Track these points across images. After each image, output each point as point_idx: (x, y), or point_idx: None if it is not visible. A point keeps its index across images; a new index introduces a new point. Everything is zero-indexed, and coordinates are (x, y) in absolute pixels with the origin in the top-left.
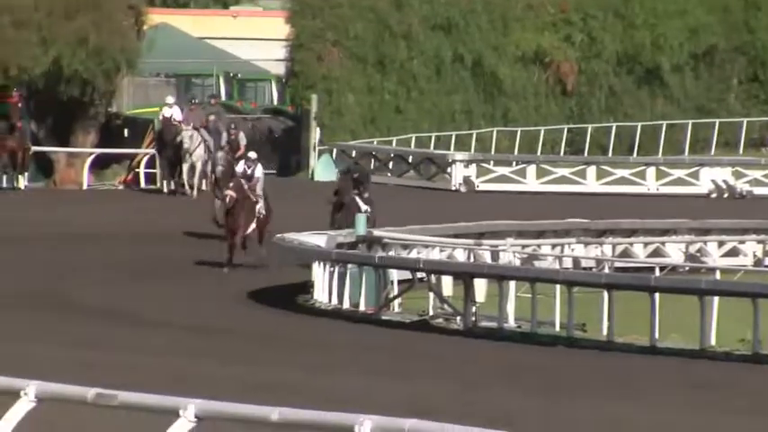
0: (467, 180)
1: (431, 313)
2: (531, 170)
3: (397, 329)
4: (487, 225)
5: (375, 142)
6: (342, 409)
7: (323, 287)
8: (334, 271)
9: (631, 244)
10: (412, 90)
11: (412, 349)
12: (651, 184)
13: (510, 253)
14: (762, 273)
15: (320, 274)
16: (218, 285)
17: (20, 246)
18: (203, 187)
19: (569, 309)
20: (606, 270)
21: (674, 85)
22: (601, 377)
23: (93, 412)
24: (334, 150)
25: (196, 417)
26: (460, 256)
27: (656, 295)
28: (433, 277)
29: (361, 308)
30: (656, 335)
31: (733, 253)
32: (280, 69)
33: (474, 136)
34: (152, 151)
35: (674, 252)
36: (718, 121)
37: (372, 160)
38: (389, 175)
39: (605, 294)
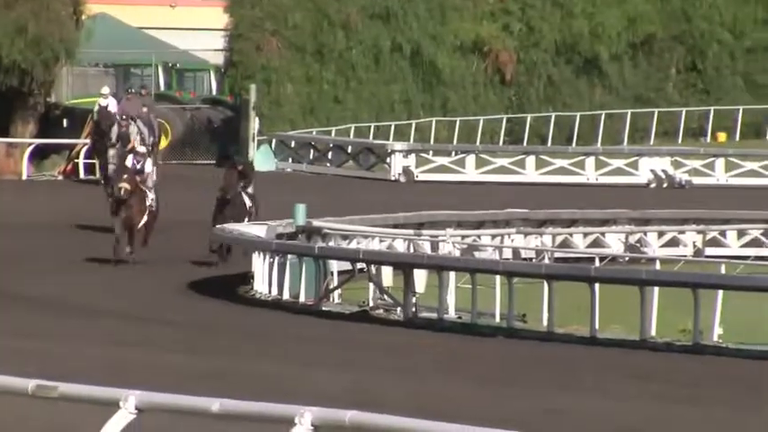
0: (406, 170)
1: (371, 304)
2: (471, 160)
3: (338, 320)
4: (427, 215)
5: (314, 132)
6: (282, 400)
7: (263, 278)
8: (273, 262)
9: (571, 234)
10: (351, 80)
11: (352, 340)
12: (590, 173)
13: (450, 243)
14: (702, 263)
15: (260, 265)
16: (158, 276)
17: None
18: None
19: (509, 299)
20: (546, 260)
21: (612, 74)
22: (541, 368)
23: (33, 404)
24: (273, 140)
25: (136, 408)
26: (400, 246)
27: (597, 285)
28: (373, 268)
29: (302, 299)
30: (597, 325)
31: (673, 243)
32: (218, 59)
33: (413, 126)
34: (89, 141)
35: (614, 242)
36: (657, 110)
37: (311, 150)
38: (329, 165)
39: (545, 285)
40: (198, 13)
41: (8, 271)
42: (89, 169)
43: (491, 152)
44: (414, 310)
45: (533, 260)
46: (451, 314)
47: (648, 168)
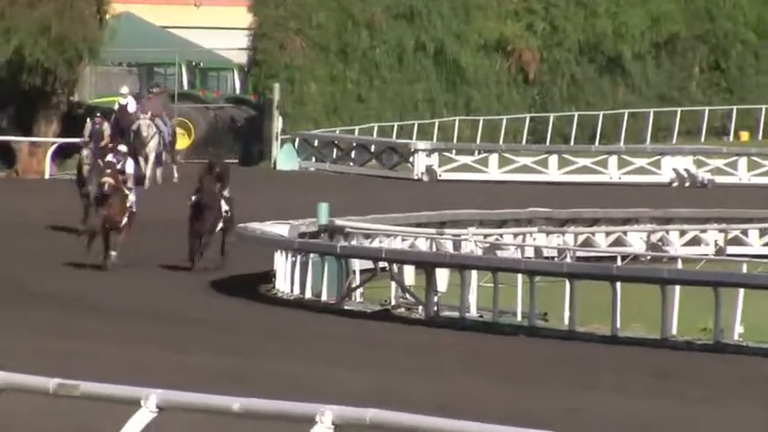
0: (429, 169)
1: (393, 303)
2: (494, 159)
3: (359, 319)
4: (450, 214)
5: (337, 131)
6: (303, 398)
7: (285, 277)
8: (296, 260)
9: (593, 233)
10: (374, 79)
11: (374, 339)
12: (613, 172)
13: (472, 242)
14: (723, 262)
15: (282, 264)
16: (180, 275)
17: None
18: (157, 178)
19: (531, 298)
20: (568, 259)
21: (635, 73)
22: (563, 366)
23: (55, 402)
24: (297, 140)
25: (157, 407)
26: (423, 245)
27: (618, 284)
28: (395, 267)
29: (324, 297)
30: (618, 324)
31: (695, 242)
32: (242, 58)
33: (436, 125)
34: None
35: (636, 241)
36: (679, 109)
37: (335, 149)
38: (352, 164)
39: (567, 284)
40: (222, 12)
41: (29, 269)
42: None
43: (514, 151)
44: (435, 308)
45: (555, 259)
46: (473, 313)
47: (671, 167)
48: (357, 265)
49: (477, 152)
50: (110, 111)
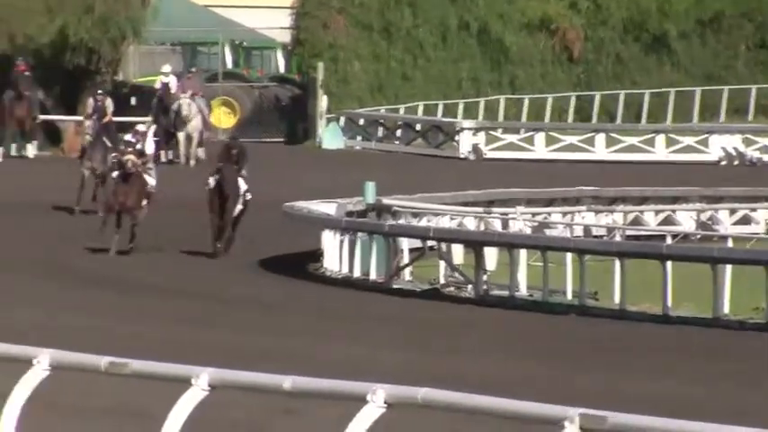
0: (475, 148)
1: (442, 282)
2: (540, 138)
3: (408, 298)
4: (497, 193)
5: (382, 110)
6: (353, 378)
7: (333, 255)
8: (344, 239)
9: (642, 212)
10: (418, 58)
11: (423, 318)
12: (660, 151)
13: (520, 221)
14: None
15: (330, 243)
16: (228, 254)
17: (23, 213)
18: (201, 156)
19: (581, 277)
20: (617, 238)
21: (681, 51)
22: (613, 346)
23: (106, 381)
24: (342, 118)
25: (209, 385)
26: (471, 224)
27: (669, 263)
28: (443, 246)
29: (372, 276)
30: (669, 303)
31: (745, 221)
32: (285, 37)
33: (481, 104)
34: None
35: (686, 220)
36: (726, 88)
37: (380, 128)
38: (397, 143)
39: (617, 262)
40: None
41: (72, 248)
42: (159, 147)
43: (560, 130)
44: (485, 287)
45: (604, 237)
46: (523, 292)
47: (719, 146)
48: (405, 243)
49: (522, 131)
50: (151, 90)
